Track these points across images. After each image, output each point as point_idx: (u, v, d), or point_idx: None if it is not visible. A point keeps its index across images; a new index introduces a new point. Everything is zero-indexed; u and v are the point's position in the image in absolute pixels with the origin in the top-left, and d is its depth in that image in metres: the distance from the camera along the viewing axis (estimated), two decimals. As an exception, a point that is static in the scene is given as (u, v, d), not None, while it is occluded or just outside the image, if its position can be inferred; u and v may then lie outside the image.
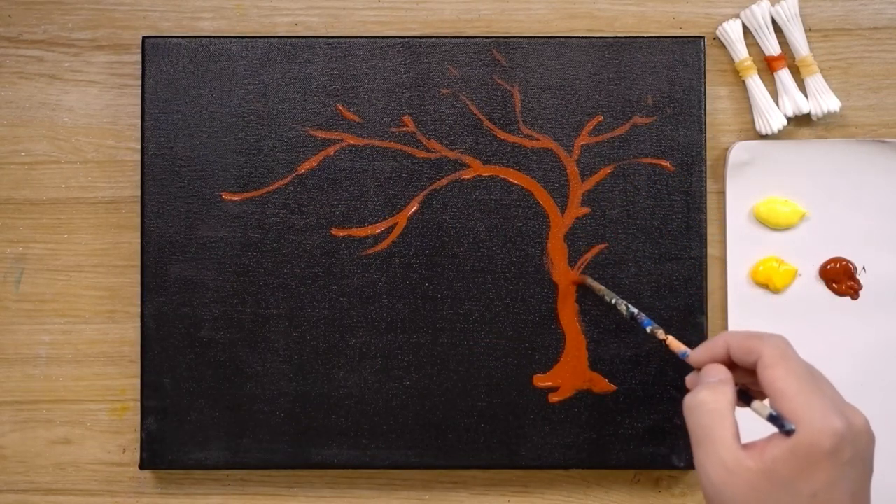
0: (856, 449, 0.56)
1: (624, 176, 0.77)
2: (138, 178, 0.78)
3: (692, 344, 0.78)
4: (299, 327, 0.77)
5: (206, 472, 0.79)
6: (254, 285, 0.77)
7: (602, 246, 0.77)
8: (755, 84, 0.79)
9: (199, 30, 0.80)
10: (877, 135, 0.80)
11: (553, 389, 0.77)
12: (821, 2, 0.80)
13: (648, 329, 0.71)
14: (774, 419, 0.57)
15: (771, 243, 0.79)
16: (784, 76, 0.79)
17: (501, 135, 0.77)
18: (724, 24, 0.79)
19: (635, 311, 0.72)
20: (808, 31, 0.79)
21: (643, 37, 0.78)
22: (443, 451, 0.77)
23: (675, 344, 0.68)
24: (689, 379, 0.64)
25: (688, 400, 0.59)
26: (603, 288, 0.75)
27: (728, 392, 0.59)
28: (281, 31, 0.80)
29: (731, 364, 0.62)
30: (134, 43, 0.79)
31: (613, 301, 0.74)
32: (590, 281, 0.76)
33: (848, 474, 0.56)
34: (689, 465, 0.77)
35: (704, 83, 0.78)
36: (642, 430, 0.77)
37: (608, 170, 0.77)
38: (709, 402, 0.58)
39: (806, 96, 0.79)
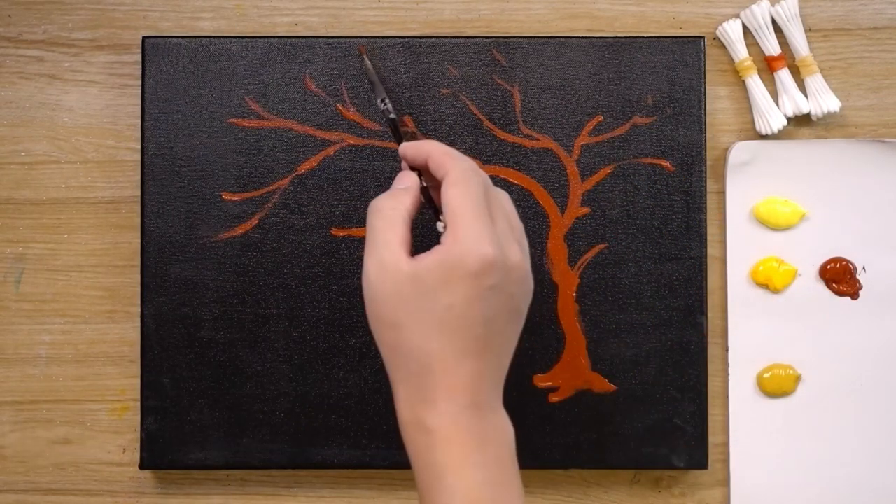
0: (502, 280, 0.59)
1: (624, 176, 0.77)
2: (138, 178, 0.78)
3: (690, 345, 0.78)
4: (299, 327, 0.77)
5: (206, 472, 0.79)
6: (254, 285, 0.77)
7: (602, 246, 0.77)
8: (755, 84, 0.79)
9: (198, 30, 0.80)
10: (877, 135, 0.80)
11: (553, 389, 0.77)
12: (821, 2, 0.80)
13: (382, 107, 0.72)
14: (437, 218, 0.62)
15: (771, 243, 0.79)
16: (784, 76, 0.79)
17: (501, 135, 0.77)
18: (724, 24, 0.79)
19: (388, 106, 0.72)
20: (808, 31, 0.79)
21: (643, 37, 0.78)
22: (443, 451, 0.77)
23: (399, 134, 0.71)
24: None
25: (371, 203, 0.63)
26: (373, 72, 0.75)
27: (407, 201, 0.62)
28: (281, 31, 0.80)
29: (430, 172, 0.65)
30: (134, 43, 0.79)
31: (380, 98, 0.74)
32: (365, 61, 0.76)
33: (487, 298, 0.59)
34: (689, 465, 0.77)
35: (704, 83, 0.78)
36: (642, 430, 0.77)
37: (608, 170, 0.77)
38: (387, 208, 0.62)
39: (806, 96, 0.79)
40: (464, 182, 0.61)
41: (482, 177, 0.62)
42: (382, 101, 0.72)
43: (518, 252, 0.61)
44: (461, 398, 0.59)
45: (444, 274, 0.58)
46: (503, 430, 0.61)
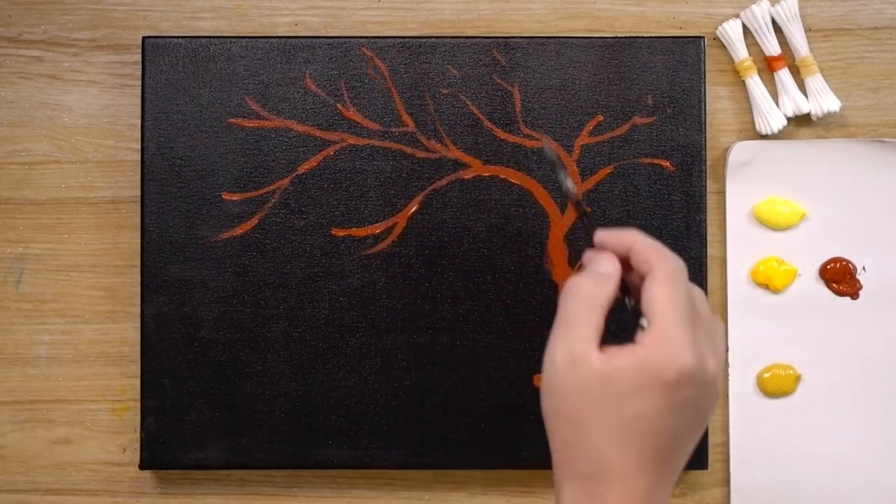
0: (697, 393, 0.56)
1: (624, 176, 0.77)
2: (138, 178, 0.78)
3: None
4: (299, 327, 0.77)
5: (206, 472, 0.79)
6: (254, 285, 0.77)
7: (602, 246, 0.77)
8: (755, 84, 0.79)
9: (199, 30, 0.80)
10: (877, 135, 0.80)
11: (553, 389, 0.77)
12: (821, 2, 0.80)
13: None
14: (636, 314, 0.58)
15: (771, 243, 0.79)
16: (784, 76, 0.79)
17: (501, 135, 0.77)
18: (724, 24, 0.79)
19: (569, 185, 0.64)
20: (808, 31, 0.79)
21: (643, 37, 0.78)
22: (443, 451, 0.77)
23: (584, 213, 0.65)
24: (587, 255, 0.62)
25: (569, 283, 0.59)
26: (556, 159, 0.66)
27: (609, 288, 0.58)
28: (281, 31, 0.80)
29: (627, 263, 0.60)
30: (134, 43, 0.79)
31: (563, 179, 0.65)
32: (546, 148, 0.70)
33: (678, 411, 0.55)
34: (689, 465, 0.77)
35: (704, 83, 0.78)
36: (642, 430, 0.77)
37: (608, 170, 0.77)
38: (587, 293, 0.58)
39: (806, 96, 0.79)
40: (672, 283, 0.57)
41: (686, 275, 0.58)
42: (569, 183, 0.64)
43: (714, 363, 0.57)
44: None
45: (639, 379, 0.55)
46: None
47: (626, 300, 0.60)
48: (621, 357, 0.56)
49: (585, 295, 0.57)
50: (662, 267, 0.57)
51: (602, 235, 0.61)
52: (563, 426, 0.57)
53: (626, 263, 0.60)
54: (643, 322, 0.57)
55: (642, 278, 0.58)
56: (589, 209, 0.65)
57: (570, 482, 0.57)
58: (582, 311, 0.57)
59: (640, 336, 0.56)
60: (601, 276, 0.59)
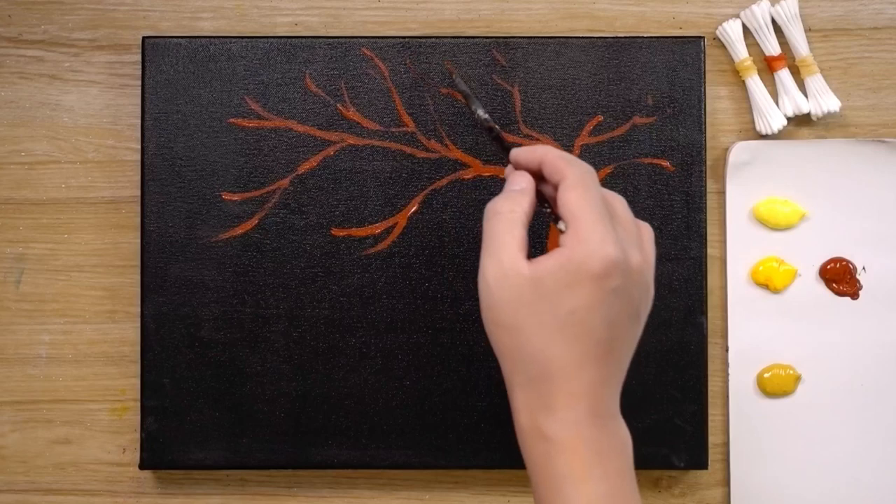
0: (625, 282, 0.58)
1: (624, 176, 0.77)
2: (138, 178, 0.78)
3: (690, 345, 0.78)
4: (299, 327, 0.77)
5: (206, 472, 0.79)
6: (254, 285, 0.77)
7: (602, 246, 0.77)
8: (755, 84, 0.79)
9: (199, 30, 0.80)
10: (877, 135, 0.80)
11: (553, 389, 0.77)
12: (821, 2, 0.80)
13: (483, 117, 0.70)
14: (554, 218, 0.61)
15: (771, 243, 0.79)
16: (784, 76, 0.79)
17: (501, 135, 0.77)
18: (724, 24, 0.79)
19: (485, 116, 0.70)
20: (808, 31, 0.79)
21: (643, 37, 0.78)
22: (443, 451, 0.77)
23: (504, 140, 0.69)
24: (505, 174, 0.66)
25: (488, 206, 0.62)
26: (467, 90, 0.73)
27: (525, 203, 0.61)
28: (281, 31, 0.80)
29: (541, 176, 0.63)
30: (134, 43, 0.79)
31: (474, 107, 0.72)
32: (456, 78, 0.74)
33: (610, 301, 0.58)
34: (689, 465, 0.77)
35: (704, 83, 0.78)
36: (642, 430, 0.77)
37: (608, 170, 0.77)
38: (504, 210, 0.61)
39: (806, 96, 0.79)
40: (582, 185, 0.60)
41: (596, 179, 0.61)
42: (482, 111, 0.70)
43: (638, 255, 0.60)
44: (582, 405, 0.58)
45: (567, 277, 0.57)
46: (623, 439, 0.60)
47: (543, 208, 0.63)
48: (547, 259, 0.58)
49: (504, 213, 0.61)
50: (571, 173, 0.61)
51: (515, 153, 0.65)
52: (505, 335, 0.59)
53: (541, 177, 0.63)
54: (561, 225, 0.60)
55: (554, 188, 0.62)
56: (503, 134, 0.70)
57: (520, 387, 0.59)
58: (503, 228, 0.60)
59: (561, 238, 0.59)
60: (515, 193, 0.62)
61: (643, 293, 0.61)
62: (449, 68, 0.76)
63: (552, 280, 0.58)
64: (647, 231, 0.63)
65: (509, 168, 0.66)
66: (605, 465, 0.58)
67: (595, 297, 0.57)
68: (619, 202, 0.62)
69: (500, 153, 0.69)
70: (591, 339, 0.58)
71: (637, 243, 0.61)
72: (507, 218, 0.60)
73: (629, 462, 0.59)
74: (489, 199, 0.76)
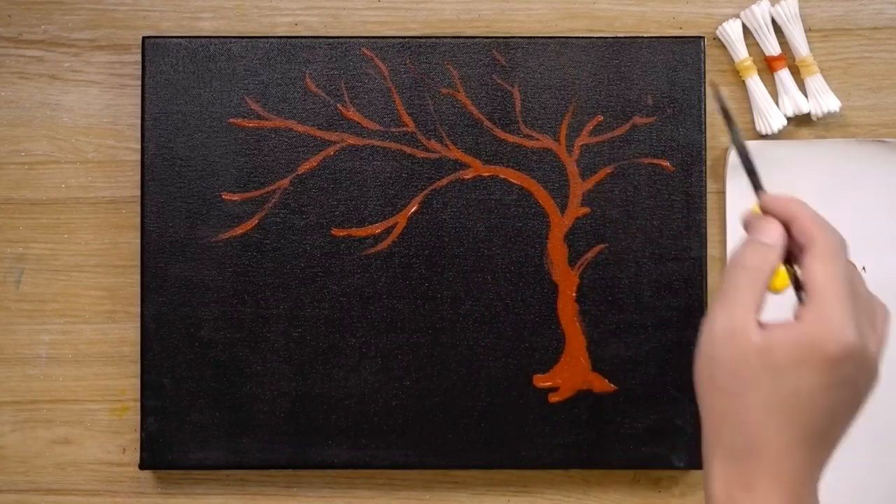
0: (857, 370, 0.55)
1: (624, 176, 0.77)
2: (138, 178, 0.78)
3: (690, 345, 0.78)
4: (299, 327, 0.77)
5: (206, 472, 0.79)
6: (254, 285, 0.77)
7: (602, 246, 0.77)
8: (755, 84, 0.79)
9: (199, 30, 0.80)
10: (877, 135, 0.80)
11: (553, 389, 0.77)
12: (821, 2, 0.80)
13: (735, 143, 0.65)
14: (798, 285, 0.57)
15: (771, 243, 0.79)
16: (784, 76, 0.79)
17: (501, 135, 0.77)
18: (724, 24, 0.79)
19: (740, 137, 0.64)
20: (808, 31, 0.79)
21: (643, 37, 0.78)
22: (443, 451, 0.77)
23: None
24: (745, 215, 0.62)
25: (735, 255, 0.58)
26: (729, 110, 0.65)
27: (773, 261, 0.58)
28: (281, 31, 0.80)
29: (789, 230, 0.59)
30: (134, 43, 0.79)
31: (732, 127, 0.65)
32: (721, 95, 0.67)
33: (837, 389, 0.55)
34: (689, 465, 0.77)
35: (704, 83, 0.78)
36: (642, 430, 0.77)
37: (608, 170, 0.77)
38: (753, 266, 0.57)
39: (806, 96, 0.79)
40: (833, 258, 0.56)
41: (847, 251, 0.58)
42: (740, 136, 0.64)
43: (875, 343, 0.56)
44: (785, 491, 0.55)
45: (798, 353, 0.54)
46: None
47: (793, 268, 0.59)
48: (781, 330, 0.55)
49: (751, 268, 0.57)
50: (823, 241, 0.57)
51: (767, 200, 0.60)
52: (718, 397, 0.56)
53: (788, 231, 0.59)
54: (803, 296, 0.56)
55: (801, 249, 0.58)
56: (753, 173, 0.64)
57: (721, 459, 0.56)
58: (744, 283, 0.57)
59: (799, 310, 0.56)
60: (765, 247, 0.58)
61: (871, 380, 0.57)
62: (713, 86, 0.73)
63: (782, 353, 0.54)
64: (881, 311, 0.59)
65: (751, 214, 0.61)
66: None
67: (823, 381, 0.54)
68: (860, 280, 0.58)
69: (751, 189, 0.63)
70: (810, 426, 0.55)
71: (873, 327, 0.57)
72: (751, 275, 0.57)
73: None
74: (489, 199, 0.77)
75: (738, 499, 0.55)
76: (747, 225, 0.61)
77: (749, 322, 0.56)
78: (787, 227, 0.59)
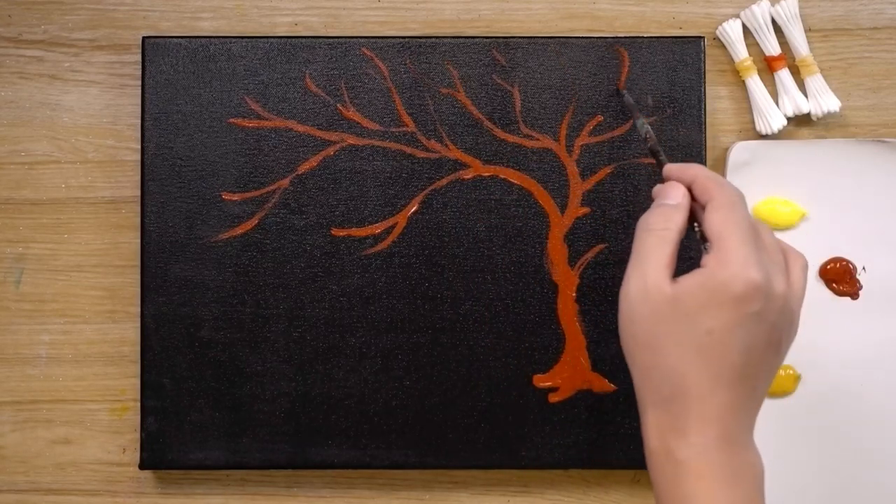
0: (766, 307, 0.58)
1: (624, 176, 0.77)
2: (138, 178, 0.78)
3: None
4: (299, 327, 0.77)
5: (206, 472, 0.79)
6: (254, 285, 0.77)
7: (602, 246, 0.77)
8: (755, 84, 0.79)
9: (199, 30, 0.80)
10: (877, 135, 0.80)
11: (553, 389, 0.77)
12: (821, 2, 0.80)
13: (643, 132, 0.72)
14: (702, 239, 0.60)
15: (771, 243, 0.79)
16: (784, 76, 0.79)
17: (501, 135, 0.77)
18: (724, 24, 0.79)
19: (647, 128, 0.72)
20: (808, 31, 0.79)
21: (643, 37, 0.78)
22: (443, 451, 0.77)
23: (661, 157, 0.69)
24: (656, 188, 0.65)
25: (642, 219, 0.62)
26: (634, 106, 0.74)
27: (678, 219, 0.61)
28: (281, 31, 0.80)
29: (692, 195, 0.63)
30: (134, 43, 0.79)
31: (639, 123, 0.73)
32: (626, 96, 0.75)
33: (748, 326, 0.57)
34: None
35: (704, 83, 0.78)
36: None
37: (608, 170, 0.77)
38: (657, 227, 0.61)
39: (806, 96, 0.79)
40: (730, 207, 0.60)
41: (744, 202, 0.61)
42: (643, 125, 0.72)
43: (783, 282, 0.59)
44: (713, 429, 0.57)
45: (707, 297, 0.57)
46: (754, 467, 0.59)
47: (694, 227, 0.62)
48: (688, 279, 0.58)
49: (657, 229, 0.60)
50: (721, 194, 0.60)
51: (668, 168, 0.65)
52: (641, 352, 0.59)
53: (692, 194, 0.63)
54: (707, 246, 0.59)
55: (702, 208, 0.61)
56: (658, 152, 0.70)
57: (652, 407, 0.59)
58: (654, 244, 0.60)
59: (704, 258, 0.59)
60: (670, 209, 0.62)
61: (786, 322, 0.60)
62: (620, 87, 0.76)
63: (692, 299, 0.57)
64: (797, 260, 0.62)
65: (658, 186, 0.65)
66: (733, 491, 0.57)
67: (734, 319, 0.57)
68: (765, 229, 0.62)
69: (655, 167, 0.70)
70: (726, 362, 0.57)
71: (782, 270, 0.60)
72: (658, 235, 0.60)
73: (761, 491, 0.59)
74: (489, 199, 0.77)
75: (672, 445, 0.58)
76: (655, 194, 0.65)
77: (661, 279, 0.59)
78: (690, 191, 0.62)
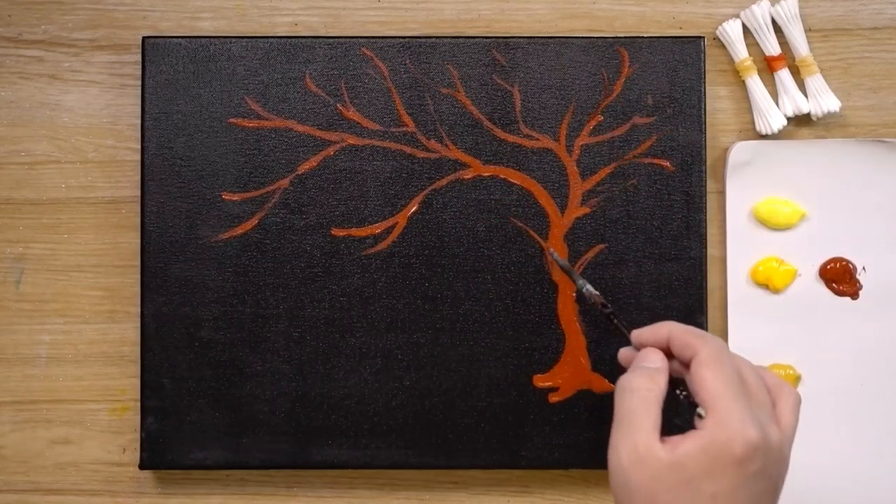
0: (765, 463, 0.58)
1: (624, 176, 0.77)
2: (138, 178, 0.78)
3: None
4: (299, 327, 0.77)
5: (206, 472, 0.79)
6: (254, 285, 0.77)
7: (602, 246, 0.77)
8: (755, 84, 0.79)
9: (199, 30, 0.80)
10: (877, 135, 0.80)
11: (553, 389, 0.77)
12: (821, 2, 0.80)
13: (589, 299, 0.71)
14: (692, 405, 0.59)
15: (771, 243, 0.79)
16: (784, 76, 0.79)
17: (501, 135, 0.77)
18: (724, 24, 0.79)
19: (589, 288, 0.72)
20: (808, 31, 0.79)
21: (643, 37, 0.78)
22: (443, 451, 0.77)
23: (618, 325, 0.69)
24: (623, 353, 0.66)
25: (622, 381, 0.61)
26: (568, 266, 0.75)
27: (661, 382, 0.60)
28: (281, 31, 0.80)
29: (668, 353, 0.63)
30: (134, 43, 0.79)
31: (578, 282, 0.73)
32: (555, 256, 0.75)
33: (751, 485, 0.57)
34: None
35: (704, 83, 0.78)
36: (642, 430, 0.77)
37: (608, 170, 0.77)
38: (642, 388, 0.60)
39: (806, 96, 0.79)
40: (717, 362, 0.59)
41: (728, 350, 0.61)
42: (589, 286, 0.72)
43: (776, 430, 0.59)
44: None
45: (708, 461, 0.57)
46: None
47: (678, 391, 0.62)
48: (687, 443, 0.57)
49: (641, 391, 0.60)
50: (704, 349, 0.60)
51: (637, 334, 0.64)
52: None
53: (666, 353, 0.62)
54: (700, 411, 0.59)
55: (684, 364, 0.61)
56: (613, 316, 0.69)
57: None
58: (639, 407, 0.59)
59: (699, 421, 0.58)
60: (653, 371, 0.61)
61: (782, 468, 0.60)
62: (544, 246, 0.76)
63: (693, 464, 0.57)
64: (788, 399, 0.61)
65: (627, 350, 0.65)
66: None
67: (737, 481, 0.57)
68: (747, 369, 0.61)
69: (616, 333, 0.69)
70: None
71: (771, 415, 0.60)
72: (642, 397, 0.59)
73: None
74: (489, 199, 0.77)
75: None
76: (626, 360, 0.65)
77: (652, 443, 0.58)
78: (666, 352, 0.62)
